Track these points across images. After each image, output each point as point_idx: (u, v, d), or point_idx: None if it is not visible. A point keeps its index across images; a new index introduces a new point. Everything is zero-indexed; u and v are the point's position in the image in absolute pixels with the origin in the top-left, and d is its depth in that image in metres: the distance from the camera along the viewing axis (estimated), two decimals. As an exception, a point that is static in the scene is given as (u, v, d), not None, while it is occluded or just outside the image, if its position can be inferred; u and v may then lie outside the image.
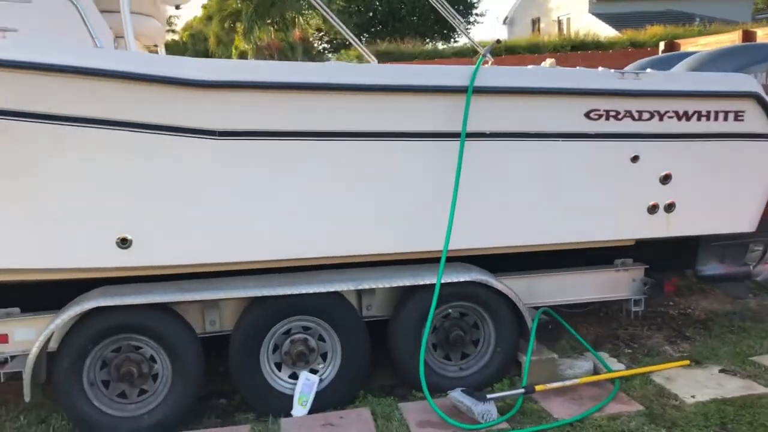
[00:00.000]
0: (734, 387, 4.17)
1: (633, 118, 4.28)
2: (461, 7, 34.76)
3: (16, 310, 4.14)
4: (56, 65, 3.44)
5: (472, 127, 4.05)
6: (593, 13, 30.26)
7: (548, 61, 4.63)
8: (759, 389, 4.12)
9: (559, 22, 33.21)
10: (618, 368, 4.49)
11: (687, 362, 4.57)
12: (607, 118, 4.25)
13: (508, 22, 39.00)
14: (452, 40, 35.60)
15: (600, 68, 4.47)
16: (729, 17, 26.91)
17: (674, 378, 4.35)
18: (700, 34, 18.09)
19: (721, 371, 4.42)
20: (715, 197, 4.56)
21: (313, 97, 3.84)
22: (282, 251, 4.03)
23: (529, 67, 4.45)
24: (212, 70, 3.71)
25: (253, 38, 24.09)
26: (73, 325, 3.89)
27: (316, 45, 30.64)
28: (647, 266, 4.87)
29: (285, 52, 26.07)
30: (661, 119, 4.32)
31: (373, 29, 33.32)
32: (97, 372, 3.96)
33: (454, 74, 4.04)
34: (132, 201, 3.76)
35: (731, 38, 7.28)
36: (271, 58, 25.22)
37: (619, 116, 4.26)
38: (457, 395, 3.93)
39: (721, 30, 18.93)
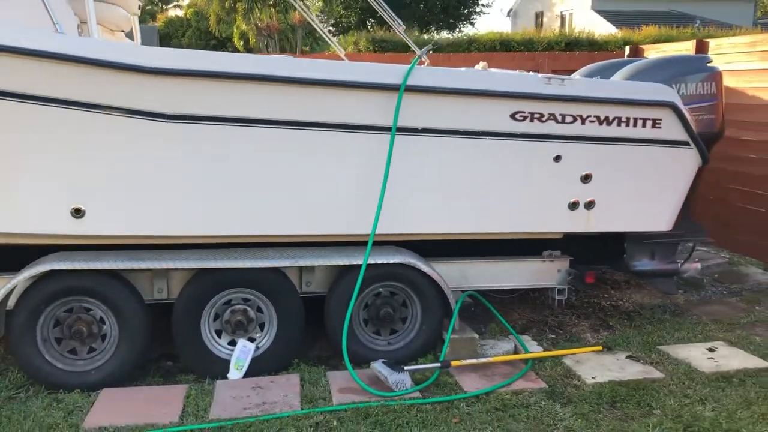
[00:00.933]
0: (634, 371, 4.54)
1: (556, 121, 4.63)
2: (467, -2, 34.99)
3: (-18, 271, 4.53)
4: (16, 48, 3.80)
5: (405, 123, 4.42)
6: (595, 10, 30.40)
7: (481, 64, 4.98)
8: (655, 374, 4.50)
9: (562, 17, 33.35)
10: (535, 350, 4.87)
11: (599, 348, 4.94)
12: (532, 120, 4.60)
13: (512, 14, 39.17)
14: (457, 29, 35.80)
15: (530, 72, 4.82)
16: (731, 21, 27.08)
17: (584, 361, 4.72)
18: (693, 36, 18.29)
19: (627, 357, 4.80)
20: (633, 197, 4.92)
21: (255, 87, 4.20)
22: (221, 228, 4.41)
23: (461, 69, 4.79)
24: (155, 58, 4.08)
25: (253, 18, 24.36)
26: (29, 286, 4.27)
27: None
28: (572, 258, 5.24)
29: (286, 34, 26.33)
30: (583, 123, 4.67)
31: (378, 14, 33.41)
32: (50, 330, 4.35)
33: (391, 72, 4.39)
34: (86, 175, 4.13)
35: (686, 47, 7.60)
36: (271, 39, 25.53)
37: (543, 118, 4.61)
38: (377, 365, 4.32)
39: (716, 34, 19.13)
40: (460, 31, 35.38)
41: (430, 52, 4.80)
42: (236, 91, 4.18)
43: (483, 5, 36.55)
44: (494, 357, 4.66)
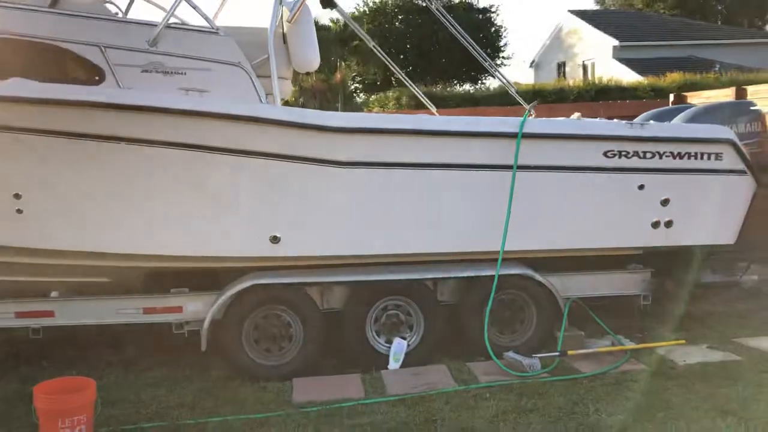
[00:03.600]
0: (717, 356, 5.61)
1: (639, 157, 5.80)
2: (489, 50, 36.39)
3: (185, 289, 5.74)
4: (249, 116, 5.11)
5: (521, 161, 5.61)
6: (617, 59, 31.53)
7: (575, 114, 6.22)
8: (734, 357, 5.56)
9: (584, 67, 34.46)
10: (629, 345, 5.94)
11: (683, 341, 5.99)
12: (620, 157, 5.78)
13: (535, 65, 40.55)
14: (479, 82, 37.30)
15: (615, 119, 6.04)
16: (749, 64, 27.99)
17: (671, 352, 5.78)
18: (716, 81, 19.51)
19: (707, 347, 5.86)
20: (703, 216, 6.04)
21: (410, 138, 5.45)
22: (384, 248, 5.60)
23: (562, 119, 6.01)
24: (335, 119, 5.35)
25: (299, 80, 26.05)
26: (234, 300, 5.46)
27: (349, 85, 32.45)
28: (653, 270, 6.34)
29: (325, 93, 28.00)
30: (660, 158, 5.84)
31: (404, 70, 34.94)
32: (251, 333, 5.52)
33: (509, 123, 5.62)
34: (282, 209, 5.36)
35: (726, 93, 8.80)
36: (314, 98, 27.19)
37: (629, 155, 5.79)
38: (511, 354, 5.44)
39: (738, 78, 20.34)
40: (482, 83, 36.76)
41: (536, 105, 6.01)
42: (395, 142, 5.43)
43: (504, 57, 37.99)
44: (601, 348, 5.74)
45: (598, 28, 32.78)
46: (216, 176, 5.25)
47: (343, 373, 5.61)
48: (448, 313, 5.83)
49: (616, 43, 31.62)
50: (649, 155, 5.82)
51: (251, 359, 5.50)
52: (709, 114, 6.58)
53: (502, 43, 37.56)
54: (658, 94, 20.27)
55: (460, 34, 6.20)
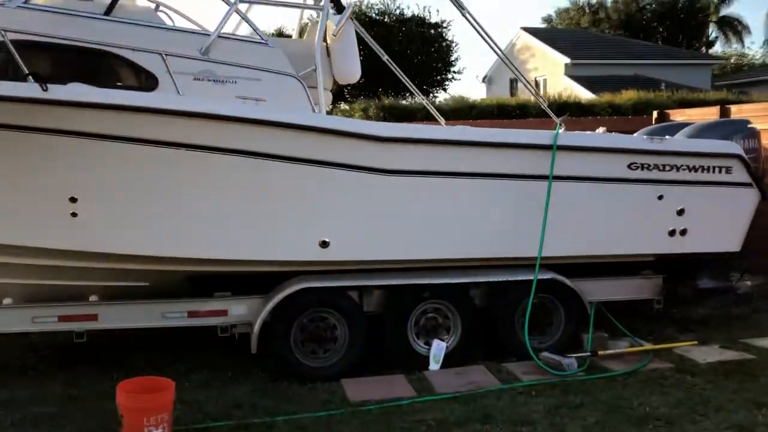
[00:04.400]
0: (732, 355, 6.05)
1: (659, 169, 6.22)
2: (440, 65, 36.93)
3: (228, 293, 5.84)
4: (307, 126, 5.28)
5: (554, 172, 5.94)
6: (569, 75, 32.66)
7: (601, 129, 6.61)
8: (749, 356, 6.01)
9: (537, 83, 35.47)
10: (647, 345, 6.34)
11: (696, 342, 6.42)
12: (642, 169, 6.18)
13: (487, 80, 41.40)
14: (431, 95, 37.78)
15: (635, 134, 6.45)
16: (691, 83, 29.37)
17: (688, 352, 6.19)
18: (669, 99, 20.47)
19: (720, 347, 6.29)
20: (714, 225, 6.50)
21: (450, 149, 5.71)
22: (426, 253, 5.84)
23: (590, 132, 6.38)
24: (380, 129, 5.57)
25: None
26: (282, 303, 5.59)
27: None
28: (665, 276, 6.76)
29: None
30: (678, 170, 6.27)
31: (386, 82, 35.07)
32: (298, 334, 5.66)
33: (544, 136, 5.95)
34: (330, 215, 5.54)
35: (711, 111, 9.41)
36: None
37: (650, 167, 6.20)
38: (548, 354, 5.74)
39: (687, 97, 21.32)
40: (434, 96, 37.26)
41: (568, 117, 6.34)
42: (439, 152, 5.68)
43: (455, 72, 38.55)
44: (628, 348, 6.11)
45: (551, 46, 33.81)
46: (272, 183, 5.39)
47: (386, 374, 5.79)
48: (483, 316, 6.09)
49: (567, 60, 32.68)
50: (668, 168, 6.24)
51: (299, 360, 5.63)
52: (712, 130, 7.07)
53: (453, 58, 38.05)
54: (615, 110, 21.22)
55: (490, 40, 6.32)
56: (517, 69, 6.86)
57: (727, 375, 5.57)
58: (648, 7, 48.18)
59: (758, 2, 68.05)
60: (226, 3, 5.62)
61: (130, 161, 5.15)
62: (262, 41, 5.72)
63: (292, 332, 5.61)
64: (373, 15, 35.89)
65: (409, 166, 5.64)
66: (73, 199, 5.17)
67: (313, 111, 5.57)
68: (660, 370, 5.68)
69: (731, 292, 7.43)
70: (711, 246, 6.60)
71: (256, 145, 5.24)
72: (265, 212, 5.44)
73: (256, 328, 5.51)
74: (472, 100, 23.55)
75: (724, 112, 9.12)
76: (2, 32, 4.83)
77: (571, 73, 32.60)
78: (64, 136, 5.01)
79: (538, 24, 47.28)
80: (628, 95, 23.38)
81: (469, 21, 5.99)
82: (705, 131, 7.09)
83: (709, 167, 6.36)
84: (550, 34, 37.37)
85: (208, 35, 5.53)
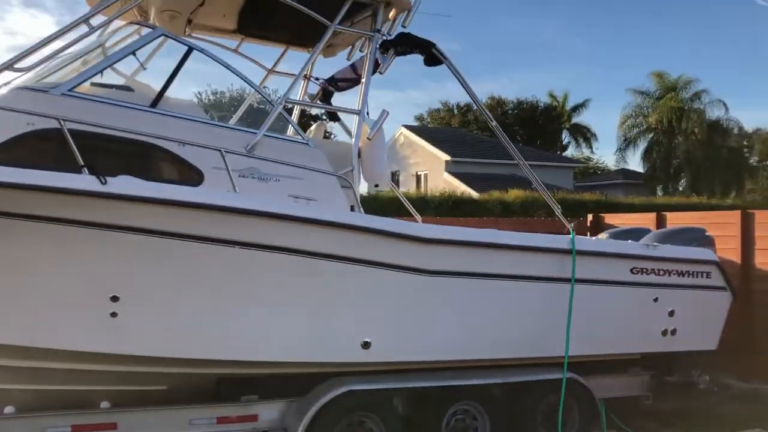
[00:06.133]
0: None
1: (655, 273, 6.74)
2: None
3: (255, 397, 5.52)
4: (357, 226, 5.26)
5: (569, 274, 6.27)
6: (449, 172, 34.19)
7: (604, 234, 7.08)
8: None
9: (418, 177, 36.77)
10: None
11: (688, 436, 6.83)
12: (642, 273, 6.67)
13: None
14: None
15: (630, 241, 6.99)
16: (556, 184, 31.79)
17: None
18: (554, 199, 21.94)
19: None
20: (696, 325, 7.07)
21: (487, 251, 5.90)
22: (456, 354, 5.87)
23: (598, 238, 6.82)
24: (425, 231, 5.67)
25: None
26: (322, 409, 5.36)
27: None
28: (653, 372, 7.20)
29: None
30: (669, 275, 6.82)
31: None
32: (340, 440, 5.43)
33: (562, 241, 6.29)
34: (372, 315, 5.47)
35: (646, 217, 10.33)
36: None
37: (648, 272, 6.70)
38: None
39: (566, 197, 22.93)
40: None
41: (578, 223, 6.75)
42: (474, 253, 5.84)
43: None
44: (638, 445, 6.37)
45: (432, 144, 35.34)
46: (319, 281, 5.26)
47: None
48: (509, 416, 6.15)
49: (448, 158, 34.21)
50: (662, 272, 6.78)
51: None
52: (678, 237, 7.78)
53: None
54: (505, 207, 22.54)
55: (507, 141, 6.71)
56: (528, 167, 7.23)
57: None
58: (510, 112, 52.41)
59: (603, 113, 77.62)
60: (271, 104, 5.58)
61: (178, 258, 4.85)
62: (304, 141, 5.71)
63: (333, 438, 5.38)
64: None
65: (450, 267, 5.73)
66: (114, 298, 4.76)
67: (353, 210, 5.57)
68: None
69: (694, 386, 7.99)
70: (694, 344, 7.15)
71: (306, 244, 5.14)
72: (310, 311, 5.28)
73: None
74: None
75: (660, 219, 10.04)
76: (60, 120, 4.50)
77: (451, 169, 33.99)
78: (117, 231, 4.66)
79: (411, 122, 49.61)
80: (515, 194, 24.85)
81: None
82: (672, 237, 7.78)
83: (693, 272, 6.97)
84: (431, 132, 39.19)
85: (255, 133, 5.42)
